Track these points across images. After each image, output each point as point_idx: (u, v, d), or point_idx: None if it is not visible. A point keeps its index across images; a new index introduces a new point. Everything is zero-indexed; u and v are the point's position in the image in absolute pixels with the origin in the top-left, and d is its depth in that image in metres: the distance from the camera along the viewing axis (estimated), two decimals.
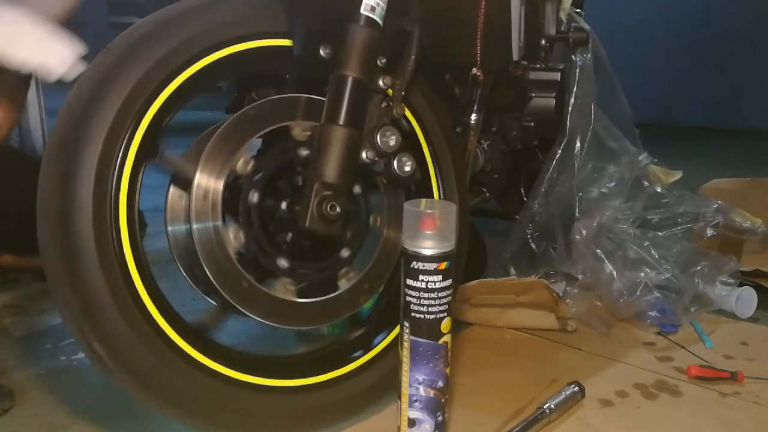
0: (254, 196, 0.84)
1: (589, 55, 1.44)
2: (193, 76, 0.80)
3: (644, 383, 1.10)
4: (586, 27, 1.44)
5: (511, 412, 0.99)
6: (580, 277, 1.39)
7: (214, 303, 0.90)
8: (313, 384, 0.90)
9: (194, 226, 0.80)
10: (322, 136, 0.82)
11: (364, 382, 0.95)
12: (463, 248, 1.05)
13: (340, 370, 0.94)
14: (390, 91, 0.88)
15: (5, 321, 1.37)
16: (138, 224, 0.78)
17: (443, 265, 0.78)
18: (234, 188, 0.85)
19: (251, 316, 0.84)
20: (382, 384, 0.96)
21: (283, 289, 0.86)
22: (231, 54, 0.83)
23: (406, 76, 0.88)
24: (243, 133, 0.84)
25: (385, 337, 0.99)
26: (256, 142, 0.87)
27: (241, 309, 0.83)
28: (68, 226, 0.72)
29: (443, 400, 0.83)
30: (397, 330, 0.91)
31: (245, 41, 0.84)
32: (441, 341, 0.81)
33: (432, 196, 1.03)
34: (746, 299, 1.41)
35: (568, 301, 1.34)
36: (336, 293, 0.91)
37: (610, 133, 1.46)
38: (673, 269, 1.35)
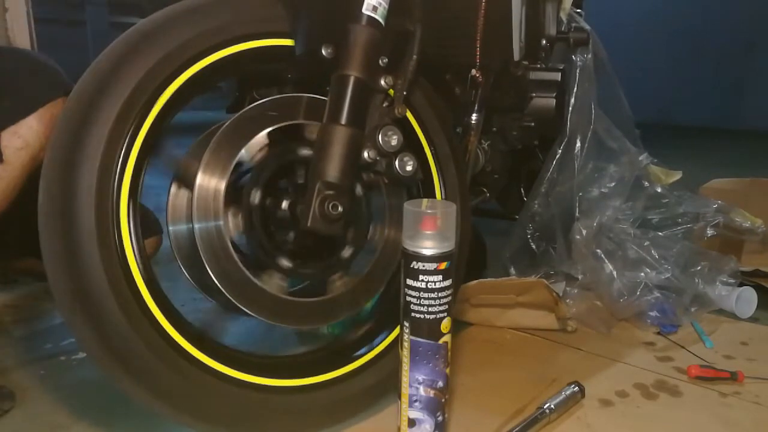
0: (255, 197, 0.84)
1: (590, 56, 1.44)
2: (195, 76, 0.80)
3: (644, 383, 1.10)
4: (587, 27, 1.44)
5: (511, 412, 0.99)
6: (580, 277, 1.39)
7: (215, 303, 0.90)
8: (314, 384, 0.91)
9: (196, 226, 0.80)
10: (324, 136, 0.82)
11: (364, 381, 0.95)
12: (463, 248, 1.05)
13: (340, 369, 0.94)
14: (391, 91, 0.88)
15: (5, 321, 1.37)
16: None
17: (443, 265, 0.78)
18: (236, 188, 0.85)
19: (254, 315, 0.84)
20: (383, 384, 0.96)
21: (276, 285, 0.86)
22: (233, 54, 0.83)
23: (408, 75, 0.88)
24: (246, 133, 0.84)
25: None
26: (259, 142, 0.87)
27: (243, 308, 0.83)
28: (70, 226, 0.72)
29: (443, 400, 0.83)
30: (396, 330, 0.91)
31: (247, 41, 0.84)
32: (441, 341, 0.81)
33: (434, 196, 1.04)
34: (746, 299, 1.41)
35: (568, 301, 1.34)
36: (337, 293, 0.91)
37: (610, 133, 1.46)
38: (673, 269, 1.35)
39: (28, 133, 0.97)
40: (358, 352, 0.97)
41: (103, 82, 0.75)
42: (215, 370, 0.82)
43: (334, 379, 0.92)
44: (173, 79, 0.79)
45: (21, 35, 2.18)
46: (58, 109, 1.01)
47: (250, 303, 0.83)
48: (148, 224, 0.79)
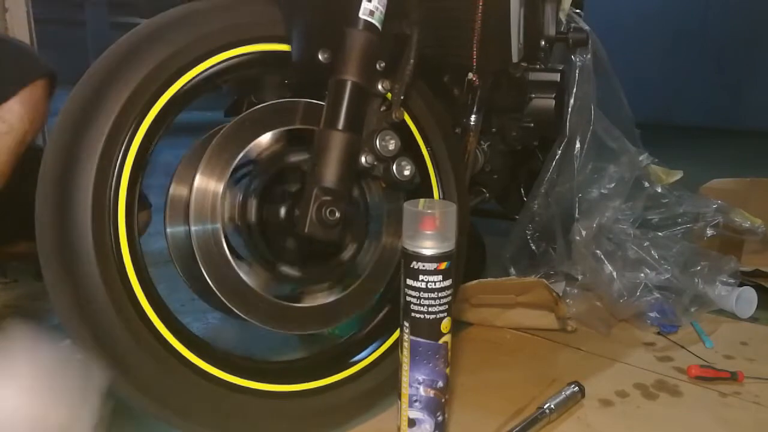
0: (253, 203, 0.84)
1: (589, 56, 1.44)
2: (194, 79, 0.80)
3: (644, 383, 1.10)
4: (586, 27, 1.44)
5: (511, 412, 0.99)
6: (580, 277, 1.39)
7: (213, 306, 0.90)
8: (313, 388, 0.91)
9: (193, 229, 0.80)
10: (321, 141, 0.82)
11: (364, 385, 0.95)
12: (463, 248, 1.05)
13: (340, 374, 0.94)
14: (389, 95, 0.88)
15: (5, 321, 1.37)
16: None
17: (443, 265, 0.78)
18: (234, 192, 0.85)
19: (250, 320, 0.84)
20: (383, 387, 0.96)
21: (274, 289, 0.86)
22: (231, 58, 0.83)
23: (405, 80, 0.87)
24: (243, 137, 0.84)
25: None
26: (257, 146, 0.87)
27: (239, 313, 0.83)
28: (66, 224, 0.72)
29: (443, 400, 0.83)
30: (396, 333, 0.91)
31: (244, 45, 0.84)
32: (441, 341, 0.81)
33: (432, 198, 1.03)
34: (746, 299, 1.41)
35: (568, 301, 1.34)
36: (336, 297, 0.91)
37: (610, 133, 1.46)
38: (673, 269, 1.35)
39: (10, 116, 0.97)
40: (356, 358, 0.97)
41: (103, 83, 0.75)
42: (212, 375, 0.82)
43: (332, 384, 0.92)
44: (173, 82, 0.79)
45: (21, 35, 2.18)
46: (39, 92, 1.00)
47: (246, 307, 0.83)
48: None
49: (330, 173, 0.81)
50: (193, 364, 0.80)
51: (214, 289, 0.81)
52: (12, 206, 0.94)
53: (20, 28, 2.20)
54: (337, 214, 0.82)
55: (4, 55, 1.02)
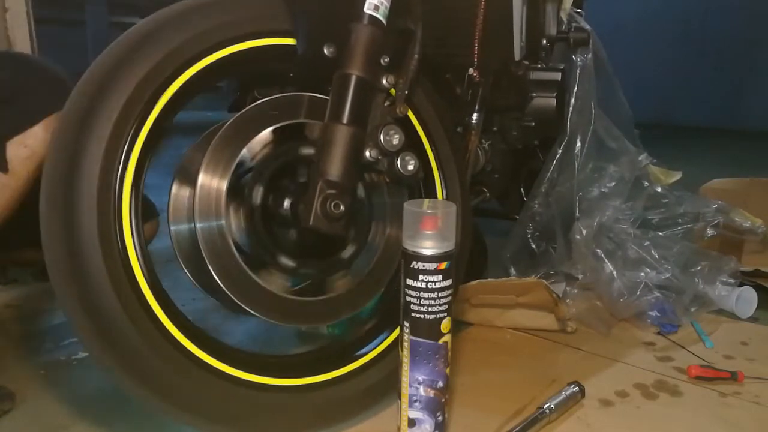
0: (258, 196, 0.84)
1: (590, 55, 1.44)
2: (196, 75, 0.80)
3: (644, 383, 1.10)
4: (587, 27, 1.44)
5: (511, 412, 0.99)
6: (580, 277, 1.39)
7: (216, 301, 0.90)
8: (317, 383, 0.91)
9: (198, 225, 0.80)
10: (325, 135, 0.83)
11: (367, 380, 0.95)
12: (464, 248, 1.05)
13: (343, 368, 0.94)
14: (393, 90, 0.88)
15: (5, 321, 1.37)
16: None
17: (443, 265, 0.78)
18: (238, 187, 0.85)
19: (255, 314, 0.84)
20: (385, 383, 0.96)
21: (277, 284, 0.86)
22: (233, 53, 0.83)
23: (410, 75, 0.88)
24: (248, 132, 0.84)
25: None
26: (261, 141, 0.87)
27: (245, 307, 0.83)
28: (72, 224, 0.72)
29: (443, 400, 0.83)
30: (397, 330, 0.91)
31: (248, 40, 0.84)
32: (441, 341, 0.81)
33: (435, 196, 1.04)
34: (746, 299, 1.41)
35: (568, 301, 1.34)
36: (338, 292, 0.91)
37: (610, 133, 1.46)
38: (673, 269, 1.35)
39: (34, 142, 0.96)
40: (359, 352, 0.97)
41: (104, 81, 0.75)
42: (217, 369, 0.82)
43: (333, 379, 0.92)
44: (175, 78, 0.78)
45: (21, 36, 2.18)
46: None
47: (252, 302, 0.83)
48: (144, 208, 0.78)
49: (334, 167, 0.81)
50: (197, 357, 0.80)
51: (221, 284, 0.81)
52: (19, 214, 0.94)
53: (20, 28, 2.20)
54: (342, 208, 0.82)
55: (33, 79, 1.01)
